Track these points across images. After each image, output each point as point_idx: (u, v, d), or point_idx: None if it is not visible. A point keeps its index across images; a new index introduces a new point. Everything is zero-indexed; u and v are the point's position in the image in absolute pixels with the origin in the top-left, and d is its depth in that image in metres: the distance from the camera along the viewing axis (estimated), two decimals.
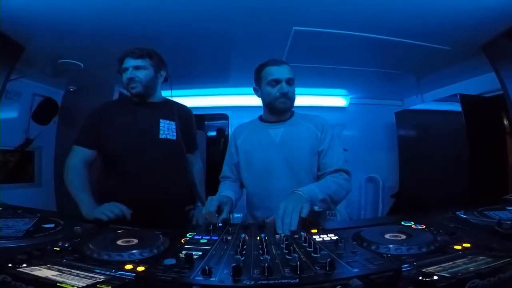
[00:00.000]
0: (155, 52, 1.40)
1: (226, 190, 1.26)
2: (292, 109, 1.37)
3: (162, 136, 1.36)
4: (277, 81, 1.25)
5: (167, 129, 1.38)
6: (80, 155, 1.33)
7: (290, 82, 1.26)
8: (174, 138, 1.39)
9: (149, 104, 1.41)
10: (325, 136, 1.28)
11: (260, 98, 1.35)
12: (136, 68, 1.34)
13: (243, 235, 0.78)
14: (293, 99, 1.29)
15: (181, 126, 1.43)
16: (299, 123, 1.32)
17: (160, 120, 1.38)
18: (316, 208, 1.01)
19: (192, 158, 1.56)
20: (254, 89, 1.36)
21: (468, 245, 0.69)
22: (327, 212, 1.45)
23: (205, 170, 2.87)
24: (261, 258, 0.60)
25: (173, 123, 1.41)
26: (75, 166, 1.31)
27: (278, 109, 1.29)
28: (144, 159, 1.32)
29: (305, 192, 1.02)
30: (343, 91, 3.32)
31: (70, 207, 1.26)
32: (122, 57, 1.36)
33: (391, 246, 0.70)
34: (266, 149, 1.29)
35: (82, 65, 2.25)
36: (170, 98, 1.52)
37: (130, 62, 1.34)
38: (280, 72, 1.25)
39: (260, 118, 1.39)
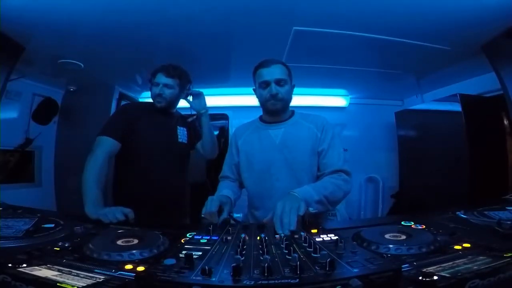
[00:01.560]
0: (185, 72, 1.58)
1: (225, 189, 1.26)
2: (292, 109, 1.37)
3: (180, 140, 1.60)
4: (266, 83, 1.25)
5: (182, 134, 1.63)
6: (106, 146, 1.37)
7: (280, 83, 1.25)
8: (186, 141, 1.64)
9: (168, 113, 1.60)
10: (325, 136, 1.27)
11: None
12: (165, 85, 1.51)
13: (243, 235, 0.78)
14: (284, 100, 1.27)
15: (189, 131, 1.67)
16: (300, 124, 1.32)
17: (178, 127, 1.62)
18: (311, 209, 1.00)
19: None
20: (253, 90, 1.36)
21: (468, 245, 0.69)
22: (328, 212, 1.45)
23: (206, 169, 2.89)
24: (261, 258, 0.61)
25: (185, 129, 1.65)
26: (100, 158, 1.32)
27: (269, 110, 1.30)
28: (166, 158, 1.52)
29: (300, 193, 1.02)
30: (343, 91, 3.32)
31: (70, 207, 1.26)
32: (156, 71, 1.53)
33: (391, 246, 0.70)
34: (266, 150, 1.29)
35: (82, 65, 2.25)
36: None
37: (161, 79, 1.51)
38: (269, 73, 1.25)
39: (261, 119, 1.39)
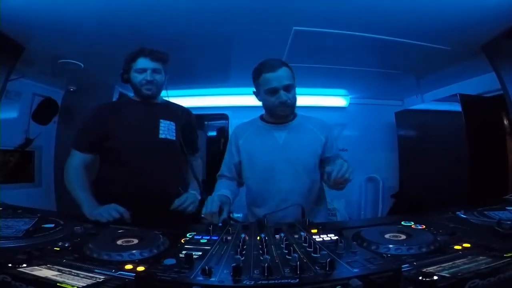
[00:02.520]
0: (167, 56, 1.43)
1: (224, 189, 1.27)
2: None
3: (161, 136, 1.38)
4: (275, 90, 1.22)
5: (167, 129, 1.40)
6: (78, 158, 1.35)
7: (288, 88, 1.22)
8: (174, 138, 1.41)
9: (151, 104, 1.43)
10: (332, 143, 1.32)
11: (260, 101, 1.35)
12: (154, 71, 1.36)
13: (243, 235, 0.78)
14: (293, 105, 1.27)
15: (182, 127, 1.45)
16: (303, 125, 1.33)
17: (161, 120, 1.40)
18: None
19: (192, 159, 1.53)
20: (254, 92, 1.35)
21: (468, 245, 0.69)
22: (328, 212, 1.47)
23: (205, 170, 2.88)
24: (261, 258, 0.61)
25: (173, 123, 1.42)
26: (74, 168, 1.32)
27: (278, 116, 1.30)
28: (145, 157, 1.34)
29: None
30: (343, 91, 3.32)
31: (70, 207, 1.26)
32: (137, 55, 1.36)
33: (391, 246, 0.70)
34: (270, 150, 1.29)
35: (82, 65, 2.25)
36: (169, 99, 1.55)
37: (148, 64, 1.35)
38: (276, 79, 1.21)
39: (262, 118, 1.39)
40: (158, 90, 1.41)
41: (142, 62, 1.35)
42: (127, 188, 1.29)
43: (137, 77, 1.36)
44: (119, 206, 1.12)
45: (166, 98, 1.53)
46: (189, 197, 1.30)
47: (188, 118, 1.51)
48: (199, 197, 1.34)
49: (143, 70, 1.35)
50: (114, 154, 1.35)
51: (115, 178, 1.34)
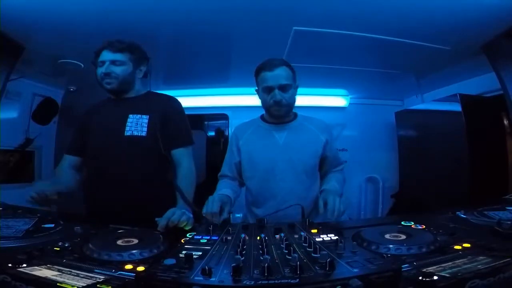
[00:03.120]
0: (137, 46, 1.34)
1: (225, 189, 1.26)
2: (294, 111, 1.37)
3: (127, 133, 1.25)
4: (270, 89, 1.23)
5: (136, 124, 1.27)
6: (65, 160, 1.36)
7: (284, 88, 1.22)
8: (144, 134, 1.26)
9: (124, 99, 1.34)
10: (331, 144, 1.35)
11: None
12: (113, 62, 1.27)
13: (243, 235, 0.78)
14: (288, 105, 1.26)
15: (161, 118, 1.29)
16: (303, 126, 1.34)
17: (130, 115, 1.28)
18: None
19: (178, 155, 1.31)
20: (256, 91, 1.35)
21: (468, 245, 0.69)
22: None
23: (205, 170, 2.87)
24: (261, 258, 0.61)
25: (145, 117, 1.28)
26: (59, 169, 1.35)
27: (273, 115, 1.30)
28: (110, 158, 1.25)
29: (336, 190, 1.20)
30: (343, 91, 3.32)
31: (70, 207, 1.27)
32: (100, 50, 1.30)
33: (391, 246, 0.70)
34: (270, 150, 1.29)
35: (82, 65, 2.25)
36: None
37: (107, 56, 1.27)
38: (273, 78, 1.21)
39: (263, 118, 1.39)
40: (121, 83, 1.29)
41: (102, 55, 1.28)
42: (99, 192, 1.24)
43: (98, 71, 1.29)
44: (42, 184, 1.11)
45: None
46: (176, 212, 0.96)
47: (167, 106, 1.35)
48: (190, 215, 1.03)
49: (103, 63, 1.28)
50: (87, 156, 1.33)
51: (89, 181, 1.30)
